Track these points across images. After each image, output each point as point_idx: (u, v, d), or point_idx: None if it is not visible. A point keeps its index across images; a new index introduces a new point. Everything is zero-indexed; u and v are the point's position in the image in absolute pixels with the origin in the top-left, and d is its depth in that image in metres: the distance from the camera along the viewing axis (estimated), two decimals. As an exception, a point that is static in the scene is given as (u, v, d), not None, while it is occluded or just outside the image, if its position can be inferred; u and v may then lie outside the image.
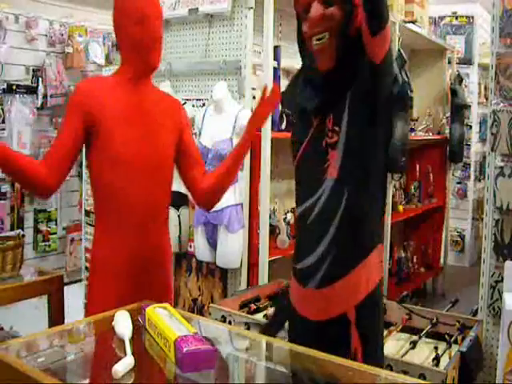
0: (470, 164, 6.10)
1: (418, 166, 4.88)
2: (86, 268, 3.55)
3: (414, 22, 4.15)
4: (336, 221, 1.39)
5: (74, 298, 3.41)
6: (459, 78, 5.04)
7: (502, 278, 2.29)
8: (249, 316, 2.42)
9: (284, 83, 3.18)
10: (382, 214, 1.48)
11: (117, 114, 1.75)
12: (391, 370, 1.94)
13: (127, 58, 1.80)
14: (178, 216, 2.96)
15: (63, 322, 2.29)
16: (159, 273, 1.89)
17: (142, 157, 1.78)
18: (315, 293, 1.43)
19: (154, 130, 1.82)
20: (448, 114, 4.96)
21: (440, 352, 2.19)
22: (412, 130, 4.33)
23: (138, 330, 1.43)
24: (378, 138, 1.40)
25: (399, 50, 3.76)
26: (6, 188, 3.84)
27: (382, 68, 1.33)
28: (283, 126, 3.01)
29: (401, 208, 4.36)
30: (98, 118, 1.73)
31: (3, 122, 3.76)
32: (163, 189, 1.87)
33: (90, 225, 3.55)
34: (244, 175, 2.80)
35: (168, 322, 1.37)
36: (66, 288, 2.42)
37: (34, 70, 4.00)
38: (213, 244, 2.85)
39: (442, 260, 5.14)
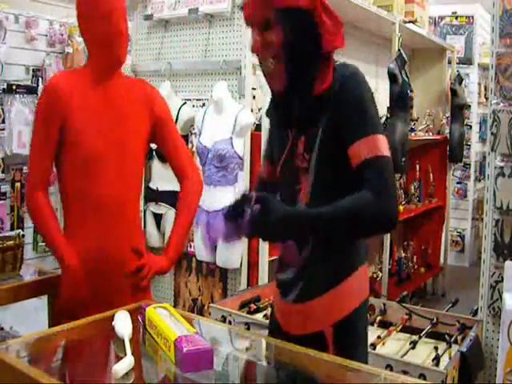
0: (469, 164, 6.10)
1: (417, 166, 4.88)
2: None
3: (414, 22, 4.15)
4: (309, 243, 1.37)
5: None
6: (459, 78, 5.04)
7: (502, 278, 2.29)
8: (249, 316, 2.42)
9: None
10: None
11: (84, 110, 1.75)
12: (391, 370, 1.94)
13: (93, 53, 1.80)
14: (178, 216, 2.95)
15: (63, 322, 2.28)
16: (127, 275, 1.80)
17: (109, 150, 1.76)
18: (293, 307, 1.42)
19: (122, 123, 1.80)
20: (448, 114, 4.96)
21: (440, 352, 2.19)
22: (412, 129, 4.33)
23: (138, 329, 1.43)
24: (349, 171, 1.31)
25: (399, 50, 3.76)
26: (5, 188, 3.83)
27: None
28: (283, 126, 3.00)
29: (401, 208, 4.36)
30: (66, 116, 1.73)
31: (3, 121, 3.75)
32: (131, 183, 1.84)
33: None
34: (244, 175, 2.80)
35: (168, 321, 1.37)
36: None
37: (34, 70, 3.99)
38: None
39: (441, 260, 5.14)
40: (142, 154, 1.89)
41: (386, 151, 1.27)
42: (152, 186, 3.13)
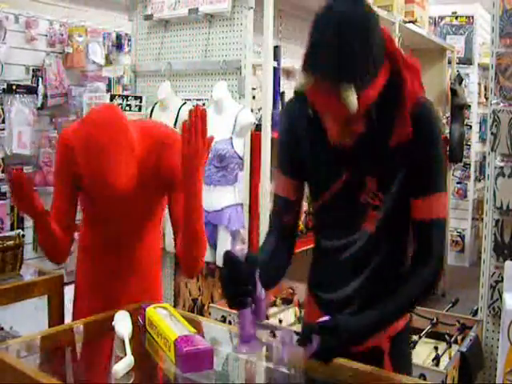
0: (469, 164, 6.09)
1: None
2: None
3: (414, 22, 4.15)
4: (371, 266, 1.34)
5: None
6: (459, 78, 5.04)
7: (502, 278, 2.29)
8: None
9: (284, 83, 3.19)
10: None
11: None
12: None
13: None
14: (178, 216, 2.95)
15: (63, 322, 2.28)
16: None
17: (120, 206, 1.67)
18: None
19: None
20: (448, 114, 4.96)
21: (440, 352, 2.19)
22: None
23: (138, 329, 1.43)
24: None
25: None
26: (5, 188, 3.83)
27: None
28: (283, 126, 3.00)
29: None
30: (76, 172, 1.62)
31: (3, 122, 3.75)
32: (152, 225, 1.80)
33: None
34: (244, 175, 2.80)
35: (168, 321, 1.37)
36: (66, 288, 2.42)
37: (34, 70, 3.99)
38: (213, 244, 2.84)
39: (442, 260, 5.13)
40: (159, 213, 1.80)
41: (446, 213, 1.31)
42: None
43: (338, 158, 1.28)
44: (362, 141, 1.23)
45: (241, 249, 1.20)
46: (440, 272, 1.30)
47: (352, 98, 1.10)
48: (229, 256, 1.19)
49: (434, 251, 1.28)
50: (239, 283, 1.17)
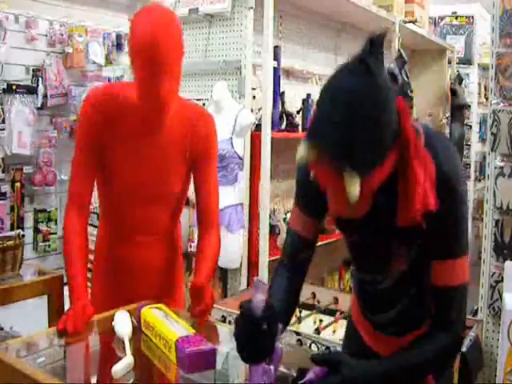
0: (469, 164, 6.09)
1: (418, 166, 4.87)
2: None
3: (414, 22, 4.15)
4: (408, 294, 1.30)
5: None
6: (459, 78, 5.04)
7: (502, 278, 2.29)
8: (249, 316, 2.42)
9: (284, 83, 3.19)
10: None
11: (124, 140, 1.65)
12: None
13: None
14: (178, 216, 2.95)
15: (63, 322, 2.28)
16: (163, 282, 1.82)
17: (145, 183, 1.68)
18: (386, 337, 1.37)
19: (162, 157, 1.69)
20: (448, 114, 4.96)
21: (440, 352, 2.18)
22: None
23: (136, 330, 1.43)
24: None
25: (399, 50, 3.76)
26: (5, 188, 3.83)
27: None
28: (283, 126, 3.01)
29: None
30: (104, 143, 1.64)
31: (3, 122, 3.75)
32: (169, 215, 1.79)
33: (90, 225, 3.54)
34: (244, 175, 2.80)
35: (165, 322, 1.37)
36: (66, 288, 2.42)
37: (34, 70, 3.99)
38: (213, 244, 2.84)
39: (442, 260, 5.12)
40: (182, 195, 1.81)
41: (468, 274, 1.20)
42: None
43: (348, 222, 1.20)
44: (368, 217, 1.12)
45: (261, 300, 1.08)
46: (460, 339, 1.24)
47: (354, 188, 0.99)
48: (248, 312, 1.09)
49: (455, 316, 1.20)
50: (258, 346, 1.10)
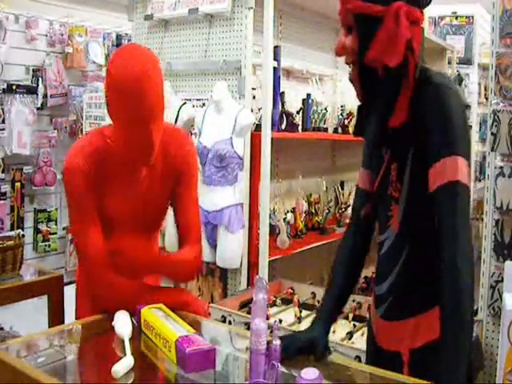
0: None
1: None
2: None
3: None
4: (397, 268, 1.34)
5: (74, 298, 3.40)
6: (459, 78, 5.03)
7: (502, 278, 2.29)
8: (249, 316, 2.42)
9: (284, 83, 3.18)
10: None
11: (109, 179, 1.64)
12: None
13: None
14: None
15: (63, 322, 2.29)
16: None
17: (132, 214, 1.68)
18: (380, 321, 1.41)
19: (147, 190, 1.69)
20: (448, 114, 4.95)
21: (440, 352, 2.18)
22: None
23: (136, 330, 1.43)
24: None
25: (399, 50, 3.75)
26: (5, 188, 3.83)
27: None
28: (283, 126, 3.01)
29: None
30: (91, 186, 1.60)
31: (3, 122, 3.76)
32: (152, 235, 1.81)
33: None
34: (244, 175, 2.80)
35: (165, 322, 1.37)
36: (65, 288, 2.42)
37: (34, 70, 4.00)
38: (213, 244, 2.85)
39: (442, 260, 5.12)
40: (165, 209, 1.80)
41: (462, 176, 1.17)
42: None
43: (381, 140, 1.31)
44: (367, 101, 1.29)
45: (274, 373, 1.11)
46: (468, 254, 1.14)
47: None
48: None
49: (460, 222, 1.14)
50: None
